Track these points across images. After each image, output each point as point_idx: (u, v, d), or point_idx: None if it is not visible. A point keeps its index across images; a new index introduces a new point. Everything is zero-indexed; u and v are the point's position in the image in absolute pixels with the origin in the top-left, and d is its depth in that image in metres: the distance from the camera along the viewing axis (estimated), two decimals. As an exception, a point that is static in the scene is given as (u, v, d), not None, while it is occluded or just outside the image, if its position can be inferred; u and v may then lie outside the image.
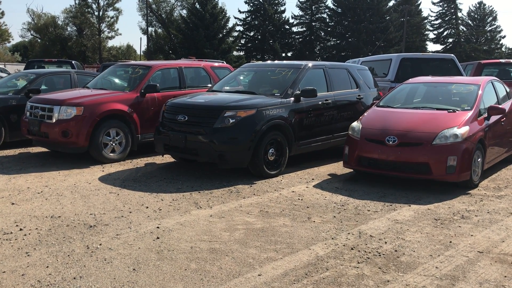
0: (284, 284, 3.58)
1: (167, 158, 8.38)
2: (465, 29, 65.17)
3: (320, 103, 7.88)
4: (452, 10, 64.32)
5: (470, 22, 65.30)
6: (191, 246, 4.32)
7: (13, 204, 5.57)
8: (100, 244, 4.32)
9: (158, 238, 4.50)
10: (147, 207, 5.49)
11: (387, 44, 54.18)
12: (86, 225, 4.85)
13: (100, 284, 3.53)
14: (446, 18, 64.83)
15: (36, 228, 4.73)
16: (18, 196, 5.92)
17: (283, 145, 7.24)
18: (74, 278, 3.63)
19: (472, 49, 59.45)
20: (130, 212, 5.29)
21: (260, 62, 10.93)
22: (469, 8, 73.64)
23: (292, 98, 7.44)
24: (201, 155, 6.94)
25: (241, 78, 9.05)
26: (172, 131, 7.17)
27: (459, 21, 64.71)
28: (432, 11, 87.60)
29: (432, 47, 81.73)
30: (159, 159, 8.38)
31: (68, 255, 4.06)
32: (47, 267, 3.83)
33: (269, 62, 9.51)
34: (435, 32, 65.29)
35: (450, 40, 64.43)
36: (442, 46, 64.08)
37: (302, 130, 7.56)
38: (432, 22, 65.26)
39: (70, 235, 4.55)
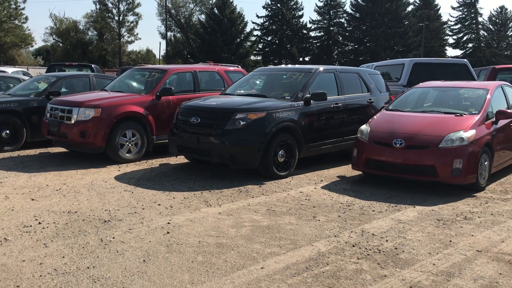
0: (285, 276, 3.76)
1: (181, 159, 8.63)
2: (485, 34, 64.41)
3: (330, 106, 8.04)
4: (472, 15, 63.67)
5: (491, 27, 64.53)
6: (199, 240, 4.53)
7: (33, 200, 5.86)
8: (113, 238, 4.56)
9: (168, 232, 4.72)
10: (159, 204, 5.72)
11: (405, 49, 53.88)
12: (100, 220, 5.10)
13: (111, 273, 3.76)
14: (466, 23, 64.20)
15: (54, 222, 5.00)
16: (38, 192, 6.22)
17: (292, 147, 7.41)
18: (88, 267, 3.87)
19: (493, 54, 58.72)
20: (143, 209, 5.53)
21: (272, 66, 11.13)
22: (490, 12, 72.94)
23: (302, 101, 7.62)
24: (212, 156, 7.15)
25: (253, 81, 9.26)
26: (185, 132, 7.41)
27: (480, 25, 64.01)
28: (451, 16, 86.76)
29: (451, 52, 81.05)
30: (173, 160, 8.64)
31: (83, 247, 4.31)
32: (63, 257, 4.08)
33: (281, 66, 9.70)
34: (455, 37, 64.73)
35: (470, 45, 63.76)
36: (462, 51, 63.49)
37: (312, 133, 7.73)
38: (452, 27, 64.73)
39: (85, 229, 4.80)
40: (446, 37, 64.36)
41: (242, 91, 8.62)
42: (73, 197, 6.00)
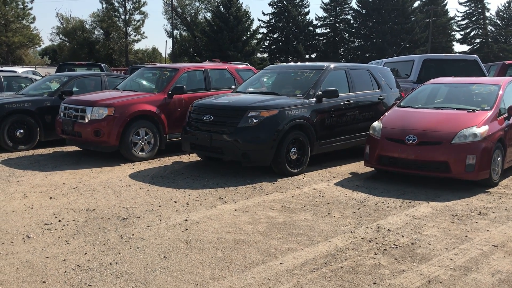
0: (304, 271, 3.82)
1: (193, 157, 8.70)
2: (493, 29, 63.97)
3: (341, 103, 8.08)
4: (480, 10, 63.21)
5: (498, 22, 64.06)
6: (217, 237, 4.60)
7: (51, 198, 5.96)
8: (133, 234, 4.64)
9: (186, 229, 4.79)
10: (176, 202, 5.80)
11: (412, 45, 53.66)
12: (119, 217, 5.18)
13: (134, 269, 3.84)
14: (474, 18, 63.76)
15: (74, 220, 5.09)
16: (55, 191, 6.31)
17: (305, 144, 7.46)
18: (110, 264, 3.95)
19: (501, 49, 58.33)
20: (159, 206, 5.60)
21: (283, 64, 11.16)
22: (498, 7, 72.39)
23: (314, 99, 7.66)
24: (225, 154, 7.22)
25: (265, 79, 9.31)
26: (198, 130, 7.48)
27: (487, 21, 63.58)
28: (458, 11, 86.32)
29: (458, 47, 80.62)
30: (186, 158, 8.72)
31: (104, 244, 4.39)
32: (85, 254, 4.16)
33: (291, 64, 9.75)
34: (462, 32, 64.32)
35: (478, 40, 63.36)
36: (469, 47, 63.07)
37: (323, 130, 7.78)
38: (459, 23, 64.33)
39: (105, 226, 4.89)
40: (453, 33, 63.98)
41: (253, 89, 8.67)
42: (90, 195, 6.09)
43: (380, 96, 8.94)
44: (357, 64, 9.87)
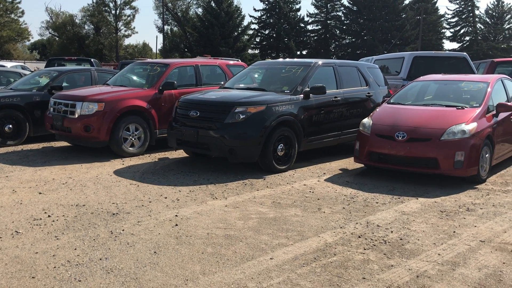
0: (294, 267, 3.84)
1: (184, 153, 8.68)
2: (482, 27, 64.48)
3: (329, 100, 8.08)
4: (469, 8, 63.71)
5: (488, 20, 64.57)
6: (207, 232, 4.60)
7: (40, 193, 5.92)
8: (123, 230, 4.63)
9: (176, 225, 4.79)
10: (166, 198, 5.79)
11: (403, 42, 53.92)
12: (109, 213, 5.17)
13: (124, 265, 3.84)
14: (463, 16, 64.26)
15: (63, 215, 5.06)
16: (45, 186, 6.28)
17: (292, 141, 7.44)
18: (100, 259, 3.94)
19: (490, 47, 58.87)
20: (150, 202, 5.60)
21: (271, 60, 11.10)
22: (487, 5, 72.76)
23: (302, 95, 7.65)
24: (212, 150, 7.19)
25: (253, 75, 9.27)
26: (184, 126, 7.42)
27: (477, 19, 64.06)
28: (449, 9, 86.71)
29: (448, 45, 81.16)
30: (176, 154, 8.70)
31: (94, 239, 4.38)
32: (75, 249, 4.15)
33: (280, 60, 9.74)
34: (452, 30, 64.81)
35: (467, 38, 63.85)
36: (459, 44, 63.60)
37: (311, 126, 7.78)
38: (449, 20, 64.78)
39: (94, 222, 4.87)
40: (443, 30, 64.46)
41: (241, 85, 8.63)
42: (80, 191, 6.06)
43: (368, 93, 8.97)
44: (345, 60, 9.90)
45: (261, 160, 7.17)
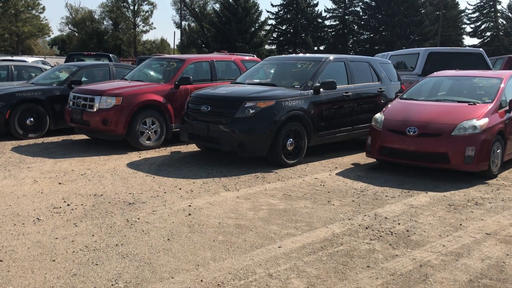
0: (301, 255, 3.99)
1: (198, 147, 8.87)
2: (504, 22, 63.35)
3: (340, 95, 8.12)
4: (491, 3, 62.61)
5: (510, 15, 63.40)
6: (219, 222, 4.77)
7: (60, 183, 6.17)
8: (138, 218, 4.82)
9: (189, 214, 4.97)
10: (180, 189, 5.98)
11: (421, 38, 53.32)
12: (125, 202, 5.38)
13: (139, 250, 4.03)
14: (484, 11, 63.16)
15: (82, 204, 5.29)
16: (64, 177, 6.52)
17: (302, 136, 7.50)
18: (116, 245, 4.14)
19: (511, 42, 57.82)
20: (164, 193, 5.79)
21: (283, 55, 11.15)
22: (509, 0, 71.36)
23: (312, 90, 7.69)
24: (222, 144, 7.31)
25: (264, 70, 9.34)
26: (195, 120, 7.53)
27: (498, 14, 62.97)
28: (469, 4, 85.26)
29: (468, 41, 79.91)
30: (191, 147, 8.90)
31: (110, 227, 4.59)
32: (93, 235, 4.35)
33: (291, 55, 9.80)
34: (472, 25, 63.79)
35: (488, 33, 62.81)
36: (479, 40, 62.57)
37: (321, 121, 7.82)
38: (470, 15, 63.78)
39: (111, 210, 5.08)
40: (463, 26, 63.49)
41: (252, 80, 8.72)
42: (97, 181, 6.29)
43: (380, 88, 9.00)
44: (357, 56, 9.92)
45: (270, 154, 7.26)
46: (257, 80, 8.74)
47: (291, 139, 7.40)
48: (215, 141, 7.37)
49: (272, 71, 9.37)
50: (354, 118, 8.43)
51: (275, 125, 7.10)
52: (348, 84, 8.44)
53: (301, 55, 9.70)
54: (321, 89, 7.76)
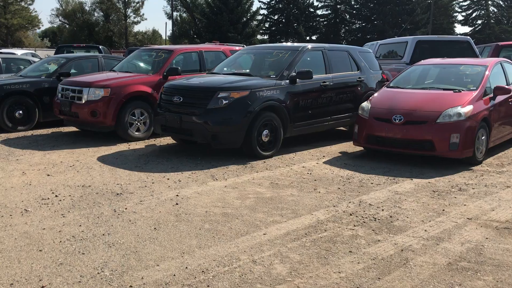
0: (285, 241, 4.06)
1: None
2: (495, 10, 63.48)
3: (317, 85, 7.97)
4: (482, -9, 62.68)
5: (501, 3, 63.52)
6: (206, 210, 4.83)
7: (48, 175, 6.19)
8: (126, 208, 4.87)
9: (177, 204, 5.03)
10: (168, 179, 6.02)
11: (413, 26, 53.32)
12: (113, 193, 5.42)
13: (125, 239, 4.08)
14: (475, -1, 63.27)
15: (70, 195, 5.33)
16: (53, 169, 6.55)
17: (277, 127, 7.34)
18: (103, 234, 4.19)
19: (502, 30, 57.94)
20: (152, 183, 5.84)
21: (260, 45, 11.05)
22: (500, -12, 71.39)
23: (288, 80, 7.54)
24: (195, 136, 7.13)
25: (241, 60, 9.14)
26: (168, 112, 7.34)
27: (489, 1, 63.06)
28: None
29: (460, 29, 79.94)
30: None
31: (98, 217, 4.63)
32: (80, 226, 4.40)
33: (269, 44, 9.74)
34: (464, 13, 63.85)
35: (479, 21, 62.93)
36: (471, 28, 62.67)
37: (298, 112, 7.66)
38: (461, 4, 63.82)
39: (99, 201, 5.12)
40: (455, 14, 63.53)
41: (228, 70, 8.55)
42: (86, 173, 6.32)
43: (359, 77, 8.87)
44: (336, 45, 9.78)
45: (245, 146, 7.10)
46: (234, 70, 8.58)
47: (267, 130, 7.23)
48: (188, 133, 7.20)
49: (241, 60, 9.16)
50: (332, 108, 8.28)
51: (249, 116, 6.93)
52: (326, 73, 8.29)
53: (278, 44, 9.56)
54: (297, 79, 7.58)
